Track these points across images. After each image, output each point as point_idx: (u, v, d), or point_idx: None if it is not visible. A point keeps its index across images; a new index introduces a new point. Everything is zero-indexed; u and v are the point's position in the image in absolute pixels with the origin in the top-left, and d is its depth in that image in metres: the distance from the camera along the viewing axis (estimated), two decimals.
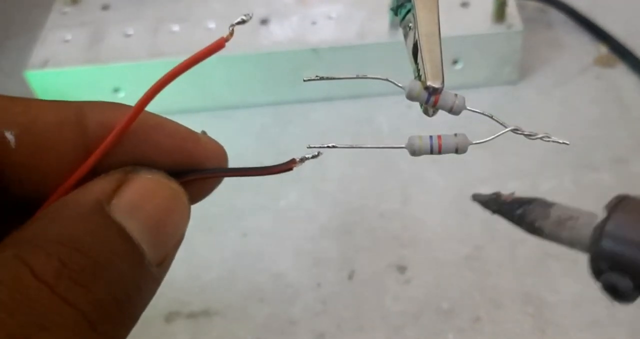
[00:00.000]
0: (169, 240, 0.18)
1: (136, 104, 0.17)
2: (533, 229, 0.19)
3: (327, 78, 0.19)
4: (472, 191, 0.42)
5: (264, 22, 0.48)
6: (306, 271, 0.40)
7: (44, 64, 0.47)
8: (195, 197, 0.20)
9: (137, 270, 0.16)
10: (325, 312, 0.38)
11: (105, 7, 0.51)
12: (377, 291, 0.38)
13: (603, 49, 0.49)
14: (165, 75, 0.17)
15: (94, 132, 0.18)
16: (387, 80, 0.19)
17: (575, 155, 0.43)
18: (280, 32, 0.47)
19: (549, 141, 0.19)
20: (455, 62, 0.46)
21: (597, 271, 0.18)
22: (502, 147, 0.44)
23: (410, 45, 0.21)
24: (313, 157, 0.20)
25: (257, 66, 0.47)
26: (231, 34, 0.18)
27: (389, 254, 0.40)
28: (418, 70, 0.20)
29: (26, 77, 0.47)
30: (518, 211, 0.19)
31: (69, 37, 0.48)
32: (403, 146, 0.19)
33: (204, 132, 0.19)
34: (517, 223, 0.19)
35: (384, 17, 0.45)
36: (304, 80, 0.20)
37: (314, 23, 0.47)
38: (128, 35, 0.48)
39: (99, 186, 0.17)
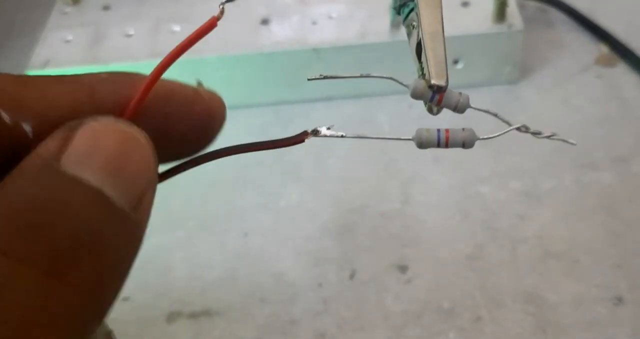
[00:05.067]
0: (136, 180, 0.16)
1: (139, 94, 0.17)
2: None
3: (331, 77, 0.19)
4: (473, 190, 0.43)
5: (265, 22, 0.48)
6: (307, 270, 0.40)
7: (45, 64, 0.47)
8: (199, 144, 0.20)
9: (102, 212, 0.15)
10: (326, 312, 0.38)
11: (106, 8, 0.51)
12: (378, 291, 0.38)
13: (604, 49, 0.49)
14: (165, 58, 0.18)
15: (108, 111, 0.17)
16: (391, 79, 0.19)
17: (576, 154, 0.43)
18: (280, 32, 0.47)
19: (555, 139, 0.19)
20: (455, 61, 0.46)
21: None
22: (503, 146, 0.44)
23: (414, 44, 0.21)
24: (328, 129, 0.19)
25: (258, 66, 0.47)
26: (221, 12, 0.18)
27: (390, 253, 0.40)
28: (422, 69, 0.20)
29: None
30: None
31: (69, 37, 0.48)
32: (410, 138, 0.19)
33: (200, 84, 0.19)
34: None
35: (385, 17, 0.45)
36: (308, 80, 0.20)
37: (314, 23, 0.47)
38: (129, 36, 0.48)
39: (43, 147, 0.16)
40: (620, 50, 0.48)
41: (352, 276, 0.39)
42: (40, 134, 0.16)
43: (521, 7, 0.47)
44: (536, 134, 0.19)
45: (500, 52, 0.46)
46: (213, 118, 0.20)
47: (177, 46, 0.18)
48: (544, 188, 0.42)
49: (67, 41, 0.48)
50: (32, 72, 0.46)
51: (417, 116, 0.45)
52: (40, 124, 0.16)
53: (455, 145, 0.19)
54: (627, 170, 0.42)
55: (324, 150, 0.45)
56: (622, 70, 0.48)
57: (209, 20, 0.18)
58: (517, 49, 0.46)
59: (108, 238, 0.15)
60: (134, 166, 0.16)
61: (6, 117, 0.16)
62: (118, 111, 0.17)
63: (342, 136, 0.19)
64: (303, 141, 0.19)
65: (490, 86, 0.47)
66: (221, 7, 0.18)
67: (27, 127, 0.16)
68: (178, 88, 0.19)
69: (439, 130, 0.19)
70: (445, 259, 0.39)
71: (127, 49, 0.47)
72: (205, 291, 0.39)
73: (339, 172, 0.44)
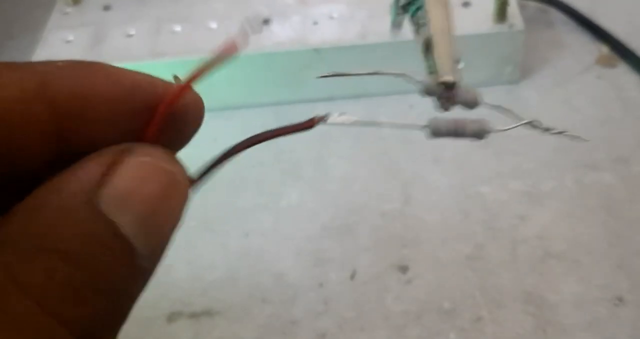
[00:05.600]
0: (163, 230, 0.16)
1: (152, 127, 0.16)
2: None
3: (342, 74, 0.19)
4: (473, 190, 0.43)
5: (266, 22, 0.48)
6: (308, 271, 0.40)
7: None
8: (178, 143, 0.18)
9: (127, 269, 0.15)
10: (327, 312, 0.38)
11: (106, 8, 0.51)
12: (379, 291, 0.38)
13: (604, 49, 0.49)
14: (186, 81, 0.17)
15: (63, 106, 0.16)
16: (403, 75, 0.19)
17: (577, 155, 0.43)
18: (281, 32, 0.47)
19: (566, 136, 0.19)
20: (456, 61, 0.46)
21: None
22: (503, 146, 0.44)
23: (422, 42, 0.21)
24: (340, 116, 0.18)
25: (259, 66, 0.47)
26: (246, 41, 0.17)
27: (391, 254, 0.40)
28: (431, 67, 0.20)
29: None
30: None
31: (70, 37, 0.48)
32: (424, 125, 0.19)
33: (177, 79, 0.18)
34: None
35: (386, 17, 0.45)
36: (319, 77, 0.19)
37: (315, 23, 0.47)
38: (130, 36, 0.48)
39: (87, 171, 0.15)
40: (620, 50, 0.48)
41: (352, 276, 0.39)
42: None
43: (521, 7, 0.47)
44: (547, 130, 0.19)
45: (501, 52, 0.46)
46: (185, 120, 0.18)
47: (190, 74, 0.17)
48: (545, 188, 0.42)
49: (68, 41, 0.48)
50: None
51: (417, 116, 0.45)
52: None
53: (469, 136, 0.19)
54: (627, 170, 0.42)
55: (324, 150, 0.45)
56: (622, 71, 0.48)
57: (228, 44, 0.16)
58: (517, 49, 0.46)
59: (123, 296, 0.15)
60: (167, 215, 0.16)
61: None
62: (74, 104, 0.16)
63: (353, 122, 0.19)
64: (312, 126, 0.18)
65: (491, 86, 0.47)
66: (245, 33, 0.17)
67: None
68: (145, 82, 0.17)
69: (454, 120, 0.19)
70: (445, 260, 0.39)
71: (128, 49, 0.47)
72: (206, 291, 0.39)
73: (339, 172, 0.44)
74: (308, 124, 0.18)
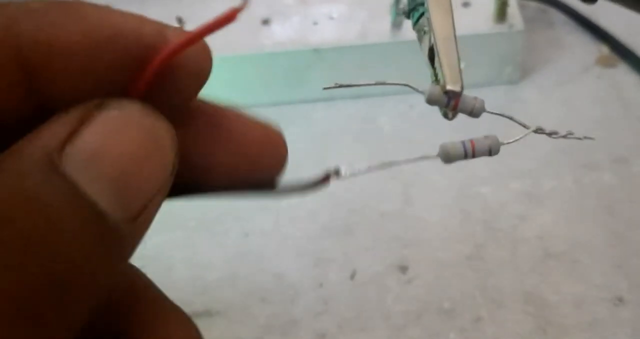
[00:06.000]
0: (142, 190, 0.14)
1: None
2: None
3: (347, 86, 0.19)
4: (473, 190, 0.43)
5: (266, 22, 0.48)
6: (308, 271, 0.40)
7: None
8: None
9: (93, 233, 0.13)
10: (327, 312, 0.38)
11: None
12: (379, 291, 0.38)
13: (604, 49, 0.49)
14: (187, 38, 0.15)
15: (31, 55, 0.14)
16: (407, 85, 0.19)
17: (576, 155, 0.43)
18: (281, 33, 0.47)
19: (572, 138, 0.19)
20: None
21: None
22: (503, 147, 0.44)
23: (426, 50, 0.21)
24: (350, 170, 0.18)
25: (259, 66, 0.47)
26: (245, 2, 0.15)
27: (391, 254, 0.40)
28: (436, 75, 0.20)
29: None
30: None
31: None
32: (435, 155, 0.18)
33: (180, 21, 0.16)
34: None
35: (386, 17, 0.45)
36: (324, 89, 0.19)
37: (315, 23, 0.47)
38: None
39: (51, 131, 0.13)
40: (620, 50, 0.48)
41: (352, 276, 0.39)
42: None
43: (521, 7, 0.47)
44: (552, 134, 0.19)
45: (501, 52, 0.46)
46: (181, 77, 0.15)
47: (185, 37, 0.15)
48: (545, 189, 0.42)
49: None
50: None
51: (417, 117, 0.45)
52: None
53: (481, 154, 0.18)
54: (627, 170, 0.42)
55: (324, 150, 0.45)
56: (622, 71, 0.48)
57: (228, 11, 0.15)
58: (517, 49, 0.46)
59: (94, 263, 0.13)
60: (145, 174, 0.14)
61: None
62: (39, 52, 0.14)
63: (366, 171, 0.18)
64: (327, 182, 0.18)
65: (491, 86, 0.47)
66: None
67: None
68: (129, 29, 0.15)
69: (463, 142, 0.18)
70: (445, 260, 0.39)
71: None
72: (206, 291, 0.39)
73: None
74: (324, 182, 0.18)
